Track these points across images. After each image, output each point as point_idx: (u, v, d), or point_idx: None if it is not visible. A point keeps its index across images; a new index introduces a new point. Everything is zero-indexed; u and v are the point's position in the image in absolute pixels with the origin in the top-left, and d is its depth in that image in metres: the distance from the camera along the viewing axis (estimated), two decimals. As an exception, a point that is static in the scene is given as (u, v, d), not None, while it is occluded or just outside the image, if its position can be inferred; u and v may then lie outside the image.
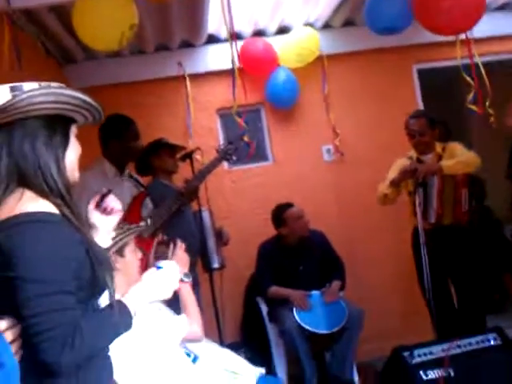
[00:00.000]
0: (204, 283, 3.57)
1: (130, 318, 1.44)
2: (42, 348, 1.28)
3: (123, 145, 3.36)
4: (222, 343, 3.38)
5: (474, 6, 3.42)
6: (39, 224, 1.33)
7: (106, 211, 1.69)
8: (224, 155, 3.56)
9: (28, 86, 1.40)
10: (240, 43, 4.26)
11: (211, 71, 4.59)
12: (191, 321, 2.27)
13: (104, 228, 1.70)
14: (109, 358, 1.52)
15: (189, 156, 3.82)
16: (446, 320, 3.39)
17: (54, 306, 1.29)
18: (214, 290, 3.56)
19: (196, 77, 4.55)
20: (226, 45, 4.46)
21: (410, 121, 3.79)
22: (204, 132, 4.56)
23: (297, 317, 3.56)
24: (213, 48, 4.60)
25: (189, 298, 2.38)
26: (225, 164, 4.59)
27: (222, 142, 4.64)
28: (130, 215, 3.14)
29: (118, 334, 1.43)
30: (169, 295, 1.58)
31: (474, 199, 3.78)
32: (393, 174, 3.73)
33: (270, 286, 3.82)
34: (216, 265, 3.63)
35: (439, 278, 3.52)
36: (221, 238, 3.79)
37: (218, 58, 4.55)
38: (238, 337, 4.19)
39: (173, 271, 1.60)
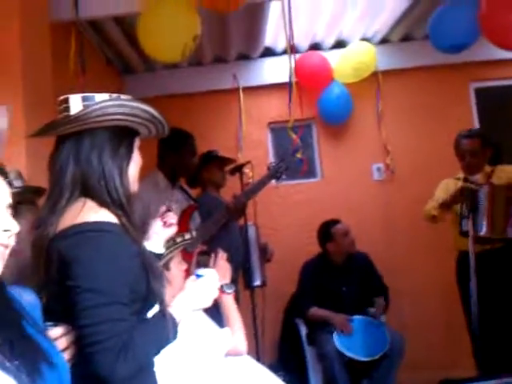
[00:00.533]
0: (244, 300, 3.58)
1: (176, 327, 1.46)
2: (97, 358, 1.30)
3: (179, 159, 3.40)
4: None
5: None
6: (100, 234, 1.36)
7: (165, 224, 1.83)
8: (275, 173, 3.55)
9: (99, 96, 1.45)
10: (296, 56, 4.27)
11: (265, 84, 4.62)
12: (234, 333, 2.23)
13: (161, 237, 1.84)
14: (154, 370, 1.55)
15: (238, 169, 3.84)
16: (492, 355, 3.28)
17: (109, 317, 1.31)
18: (254, 308, 3.55)
19: (249, 89, 4.59)
20: (282, 58, 4.53)
21: (463, 141, 3.65)
22: (254, 145, 4.58)
23: (336, 341, 3.52)
24: (268, 61, 4.63)
25: (232, 309, 2.34)
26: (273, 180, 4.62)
27: (271, 155, 4.68)
28: (179, 228, 3.20)
29: (166, 344, 1.45)
30: (209, 303, 1.60)
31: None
32: (441, 193, 3.63)
33: (310, 306, 3.77)
34: (258, 282, 3.63)
35: (487, 307, 3.39)
36: (265, 254, 3.80)
37: (272, 71, 4.59)
38: (275, 358, 4.16)
39: (212, 279, 1.62)
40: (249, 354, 2.39)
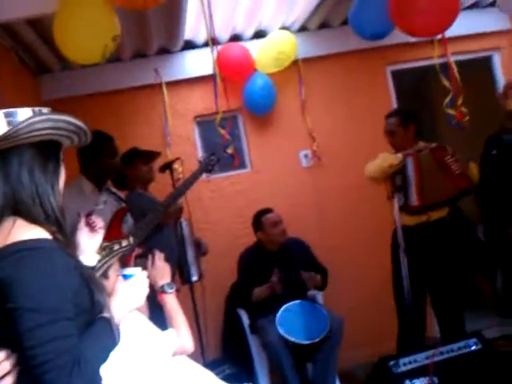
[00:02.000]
0: (184, 297, 3.57)
1: (118, 330, 1.47)
2: (49, 378, 1.27)
3: (100, 162, 3.32)
4: (204, 359, 3.39)
5: (448, 7, 3.47)
6: (36, 251, 1.33)
7: (92, 230, 1.75)
8: (206, 167, 3.59)
9: (22, 112, 1.41)
10: (217, 48, 4.26)
11: (188, 78, 4.57)
12: (180, 333, 2.21)
13: (90, 248, 1.74)
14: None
15: (168, 166, 3.82)
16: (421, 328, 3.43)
17: (56, 335, 1.29)
18: (195, 304, 3.55)
19: (172, 84, 4.52)
20: (202, 51, 4.51)
21: (385, 121, 3.84)
22: (182, 141, 4.54)
23: (279, 327, 3.57)
24: (189, 54, 4.58)
25: (175, 308, 2.31)
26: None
27: (199, 150, 4.65)
28: (111, 232, 3.14)
29: (112, 350, 1.45)
30: (142, 302, 1.61)
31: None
32: (380, 161, 3.70)
33: (252, 289, 3.81)
34: (195, 277, 3.63)
35: (417, 281, 3.56)
36: (199, 248, 3.80)
37: (194, 64, 4.55)
38: (220, 351, 4.17)
39: (140, 277, 1.63)
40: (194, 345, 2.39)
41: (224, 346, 4.14)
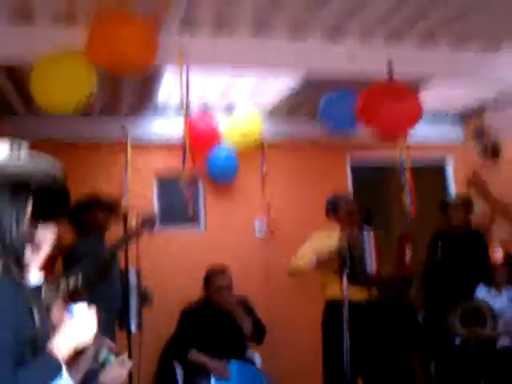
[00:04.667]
0: (121, 343, 3.40)
1: (60, 367, 1.42)
2: None
3: None
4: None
5: (411, 113, 3.72)
6: None
7: (35, 249, 1.66)
8: (147, 225, 3.59)
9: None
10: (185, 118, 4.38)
11: (153, 140, 4.65)
12: None
13: (34, 264, 1.65)
14: None
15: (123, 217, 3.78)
16: None
17: None
18: (130, 354, 3.40)
19: (137, 144, 4.56)
20: (172, 117, 4.61)
21: (349, 202, 3.93)
22: (140, 198, 4.54)
23: (214, 388, 3.44)
24: (159, 119, 4.69)
25: None
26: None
27: (157, 209, 4.65)
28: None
29: None
30: (89, 337, 1.57)
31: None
32: (309, 249, 3.74)
33: (189, 349, 3.68)
34: (134, 329, 3.55)
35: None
36: (145, 299, 3.70)
37: (162, 128, 4.66)
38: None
39: (87, 314, 1.60)
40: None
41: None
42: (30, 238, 1.71)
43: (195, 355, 3.66)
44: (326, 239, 3.72)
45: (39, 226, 1.78)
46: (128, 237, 3.57)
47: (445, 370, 4.33)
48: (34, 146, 1.45)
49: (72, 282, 2.85)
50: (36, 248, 1.67)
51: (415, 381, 4.87)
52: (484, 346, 3.97)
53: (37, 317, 1.41)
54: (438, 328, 4.28)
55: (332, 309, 3.62)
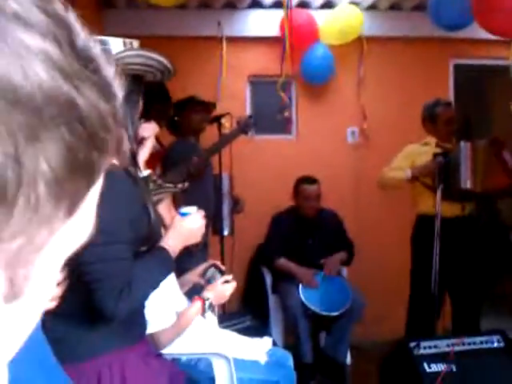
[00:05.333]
0: (214, 248, 3.60)
1: (171, 262, 1.51)
2: (98, 296, 1.32)
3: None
4: (224, 310, 3.43)
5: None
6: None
7: (140, 142, 1.73)
8: (244, 128, 3.59)
9: (114, 42, 1.44)
10: (282, 12, 4.22)
11: (249, 36, 4.54)
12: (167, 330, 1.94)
13: (140, 160, 1.72)
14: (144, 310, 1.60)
15: (217, 119, 3.83)
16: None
17: (109, 256, 1.34)
18: (223, 256, 3.59)
19: (233, 40, 4.50)
20: (268, 11, 4.47)
21: (446, 109, 3.73)
22: (233, 97, 4.52)
23: (302, 294, 3.59)
24: (254, 13, 4.54)
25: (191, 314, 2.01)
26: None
27: (248, 109, 4.65)
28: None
29: (163, 280, 1.50)
30: (198, 239, 1.65)
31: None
32: (403, 161, 3.65)
33: (278, 256, 3.83)
34: (226, 232, 3.70)
35: (440, 272, 3.49)
36: (236, 205, 3.83)
37: (258, 23, 4.52)
38: (240, 305, 4.22)
39: (198, 216, 1.66)
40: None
41: (244, 301, 4.19)
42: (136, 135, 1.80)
43: (284, 263, 3.80)
44: (422, 152, 3.61)
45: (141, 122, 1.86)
46: (225, 140, 3.61)
47: None
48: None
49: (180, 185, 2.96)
50: (141, 144, 1.73)
51: (508, 299, 4.86)
52: None
53: (152, 212, 1.48)
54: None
55: (423, 223, 3.60)
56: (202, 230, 1.67)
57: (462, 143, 3.45)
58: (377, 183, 3.78)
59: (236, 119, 3.70)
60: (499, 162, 3.42)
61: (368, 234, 4.43)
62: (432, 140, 3.70)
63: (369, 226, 4.49)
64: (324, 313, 3.54)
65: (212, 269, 2.21)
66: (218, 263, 2.31)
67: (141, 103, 1.56)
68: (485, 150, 3.45)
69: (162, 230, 1.61)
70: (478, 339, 2.84)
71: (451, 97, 4.79)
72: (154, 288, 1.47)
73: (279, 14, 4.29)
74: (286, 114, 4.18)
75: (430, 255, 3.35)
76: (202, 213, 1.71)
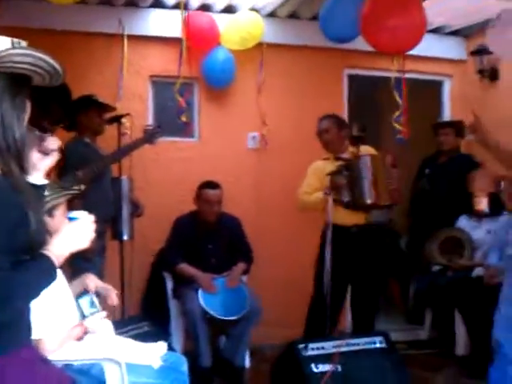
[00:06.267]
0: (113, 252, 3.55)
1: (55, 269, 1.48)
2: None
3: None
4: (123, 315, 3.41)
5: (416, 28, 3.64)
6: None
7: (44, 153, 1.78)
8: (150, 138, 3.59)
9: (0, 40, 1.39)
10: (185, 13, 4.23)
11: (151, 36, 4.50)
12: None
13: (41, 167, 1.77)
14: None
15: (117, 120, 3.79)
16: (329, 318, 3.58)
17: None
18: (122, 260, 3.56)
19: (134, 39, 4.43)
20: (171, 12, 4.45)
21: (318, 123, 3.92)
22: (134, 97, 4.47)
23: (201, 299, 3.64)
24: (156, 13, 4.51)
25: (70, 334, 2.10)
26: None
27: (151, 109, 4.60)
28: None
29: (45, 288, 1.47)
30: (86, 244, 1.62)
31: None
32: (312, 179, 3.79)
33: (179, 261, 3.85)
34: (125, 236, 3.67)
35: (341, 276, 3.71)
36: (136, 208, 3.79)
37: (160, 23, 4.49)
38: (139, 310, 4.18)
39: (86, 220, 1.64)
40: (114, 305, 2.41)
41: (144, 307, 4.14)
42: (38, 143, 1.77)
43: (184, 267, 3.83)
44: (327, 167, 3.74)
45: (48, 133, 1.84)
46: (129, 148, 3.56)
47: (421, 295, 4.59)
48: (24, 33, 1.46)
49: (74, 186, 2.88)
50: (44, 154, 1.77)
51: (393, 303, 5.22)
52: (460, 274, 4.12)
53: (33, 220, 1.44)
54: (419, 254, 4.48)
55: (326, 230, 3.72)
56: (91, 235, 1.66)
57: (365, 157, 3.65)
58: (297, 208, 3.90)
59: (143, 127, 3.66)
60: (388, 176, 3.63)
61: (268, 239, 4.53)
62: (329, 154, 3.88)
63: (268, 231, 4.60)
64: (222, 317, 3.61)
65: (87, 297, 2.23)
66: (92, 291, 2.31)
67: (29, 105, 1.53)
68: (380, 164, 3.65)
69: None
70: (362, 340, 3.04)
71: (345, 105, 5.04)
72: (33, 297, 1.45)
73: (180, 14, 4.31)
74: (184, 118, 4.21)
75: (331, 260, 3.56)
76: (91, 218, 1.70)
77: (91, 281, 2.37)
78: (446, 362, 4.20)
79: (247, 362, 3.95)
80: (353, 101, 5.15)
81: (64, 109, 3.55)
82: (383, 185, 3.59)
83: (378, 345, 3.06)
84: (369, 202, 3.57)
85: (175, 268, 3.86)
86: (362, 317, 3.83)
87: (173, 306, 3.93)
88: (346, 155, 3.85)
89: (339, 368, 2.85)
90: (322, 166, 3.81)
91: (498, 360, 2.56)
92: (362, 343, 3.04)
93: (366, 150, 3.88)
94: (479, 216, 4.18)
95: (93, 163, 3.41)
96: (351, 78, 5.14)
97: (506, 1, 3.69)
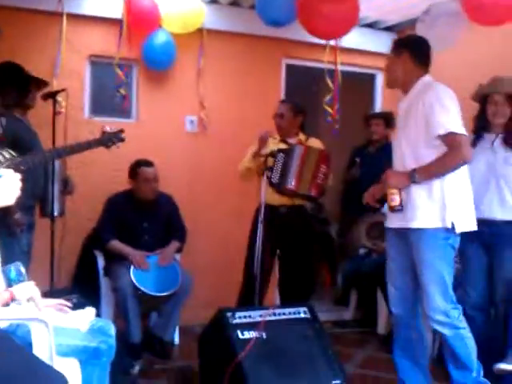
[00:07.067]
0: (45, 229, 3.55)
1: None
2: None
3: None
4: (52, 288, 3.42)
5: (348, 15, 3.82)
6: None
7: None
8: (106, 141, 3.36)
9: None
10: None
11: (91, 16, 4.48)
12: None
13: None
14: None
15: (52, 96, 3.74)
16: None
17: None
18: (53, 237, 3.55)
19: (74, 17, 4.40)
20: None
21: (279, 104, 4.14)
22: (71, 75, 4.43)
23: (132, 276, 3.69)
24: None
25: None
26: (85, 113, 4.56)
27: (88, 88, 4.58)
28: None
29: None
30: (12, 201, 1.66)
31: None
32: (252, 148, 3.96)
33: (111, 239, 3.89)
34: (56, 212, 3.60)
35: (269, 255, 3.87)
36: (66, 186, 3.76)
37: (101, 3, 4.47)
38: (70, 287, 4.18)
39: (11, 177, 1.67)
40: (43, 280, 2.41)
41: (75, 284, 4.14)
42: None
43: (116, 244, 3.88)
44: (269, 143, 3.93)
45: None
46: (82, 147, 3.39)
47: (348, 277, 4.82)
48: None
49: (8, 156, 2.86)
50: None
51: (322, 285, 5.42)
52: (383, 257, 4.33)
53: None
54: (347, 239, 4.70)
55: (258, 209, 3.87)
56: (16, 192, 1.69)
57: (298, 146, 3.83)
58: (239, 176, 4.07)
59: (103, 129, 3.54)
60: (316, 172, 3.81)
61: (202, 220, 4.65)
62: (278, 135, 4.08)
63: (203, 212, 4.72)
64: (153, 293, 3.69)
65: (14, 266, 2.24)
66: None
67: None
68: (313, 158, 3.83)
69: None
70: (287, 310, 3.17)
71: (282, 92, 5.18)
72: None
73: (124, -4, 4.33)
74: (122, 91, 4.22)
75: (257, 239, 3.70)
76: (17, 176, 1.72)
77: None
78: (368, 339, 4.43)
79: (177, 339, 4.04)
80: (292, 90, 5.30)
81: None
82: (308, 176, 3.78)
83: (302, 315, 3.19)
84: (288, 186, 3.76)
85: (107, 245, 3.89)
86: (290, 293, 3.99)
87: (104, 283, 3.96)
88: (293, 140, 4.03)
89: (264, 335, 2.97)
90: (269, 141, 3.96)
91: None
92: (287, 313, 3.16)
93: (313, 142, 4.08)
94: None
95: (39, 154, 3.26)
96: (291, 67, 5.28)
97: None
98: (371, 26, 5.20)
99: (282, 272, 4.12)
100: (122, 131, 3.34)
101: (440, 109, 2.71)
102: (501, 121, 3.28)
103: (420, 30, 3.95)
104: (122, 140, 3.34)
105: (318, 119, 5.62)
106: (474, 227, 2.86)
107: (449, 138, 2.69)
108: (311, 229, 4.26)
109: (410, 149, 2.84)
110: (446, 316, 2.75)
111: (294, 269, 4.02)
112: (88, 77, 4.63)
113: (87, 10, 4.48)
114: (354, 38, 4.62)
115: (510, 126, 3.27)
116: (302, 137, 4.10)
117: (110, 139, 3.34)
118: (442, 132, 2.69)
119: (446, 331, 2.77)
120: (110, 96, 4.51)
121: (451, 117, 2.71)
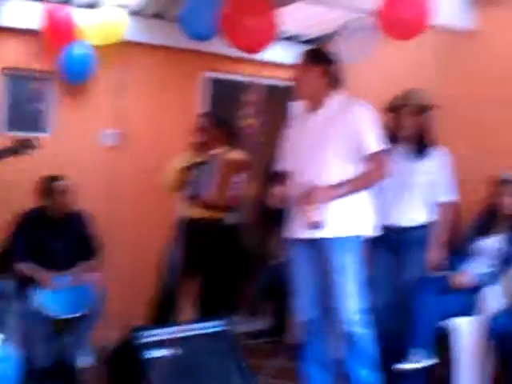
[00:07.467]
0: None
1: None
2: None
3: None
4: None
5: (268, 29, 3.86)
6: None
7: None
8: (19, 148, 3.37)
9: None
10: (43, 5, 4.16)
11: (6, 27, 4.34)
12: None
13: None
14: None
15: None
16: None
17: None
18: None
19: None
20: (27, 3, 4.32)
21: (199, 119, 4.14)
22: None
23: (39, 298, 3.57)
24: (12, 3, 4.34)
25: None
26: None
27: (3, 102, 4.43)
28: None
29: None
30: None
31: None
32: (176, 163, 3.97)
33: (19, 261, 3.74)
34: None
35: (185, 268, 3.84)
36: None
37: (15, 15, 4.33)
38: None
39: None
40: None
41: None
42: None
43: (24, 267, 3.73)
44: (187, 160, 3.97)
45: None
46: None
47: (261, 288, 4.87)
48: None
49: None
50: None
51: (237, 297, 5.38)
52: None
53: None
54: (263, 251, 4.75)
55: (178, 222, 3.92)
56: None
57: (213, 158, 3.86)
58: (165, 188, 4.06)
59: (13, 138, 3.43)
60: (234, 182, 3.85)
61: (119, 235, 4.55)
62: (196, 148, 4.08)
63: (121, 226, 4.62)
64: (61, 316, 3.58)
65: None
66: None
67: None
68: (231, 169, 3.88)
69: None
70: (200, 325, 3.11)
71: (205, 106, 5.17)
72: None
73: (39, 6, 4.23)
74: (39, 105, 4.11)
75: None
76: None
77: None
78: (276, 349, 4.45)
79: (89, 361, 3.90)
80: (217, 104, 5.30)
81: None
82: (224, 187, 3.83)
83: (216, 329, 3.12)
84: (204, 198, 3.81)
85: (15, 268, 3.73)
86: (208, 308, 3.97)
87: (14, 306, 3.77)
88: (212, 153, 4.02)
89: (176, 352, 2.91)
90: (182, 158, 4.00)
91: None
92: (200, 328, 3.09)
93: (234, 154, 4.07)
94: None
95: None
96: (214, 81, 5.29)
97: (350, 12, 4.03)
98: (292, 39, 5.28)
99: (200, 286, 4.09)
100: (36, 139, 3.40)
101: (366, 129, 2.85)
102: (408, 132, 3.42)
103: (337, 43, 4.07)
104: (35, 147, 3.32)
105: (242, 132, 5.65)
106: (379, 232, 3.00)
107: (374, 157, 2.85)
108: (229, 241, 4.24)
109: (332, 164, 2.88)
110: (357, 318, 2.86)
111: (211, 283, 4.00)
112: (2, 90, 4.48)
113: (1, 21, 4.33)
114: (275, 52, 4.67)
115: (416, 138, 3.42)
116: (222, 149, 4.09)
117: (22, 146, 3.35)
118: (368, 152, 2.84)
119: (356, 332, 2.87)
120: (23, 110, 4.37)
121: (376, 136, 2.87)
